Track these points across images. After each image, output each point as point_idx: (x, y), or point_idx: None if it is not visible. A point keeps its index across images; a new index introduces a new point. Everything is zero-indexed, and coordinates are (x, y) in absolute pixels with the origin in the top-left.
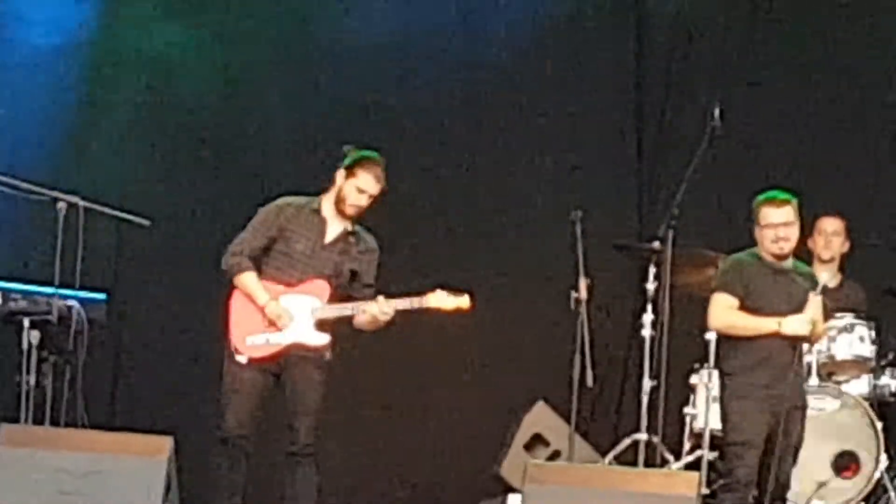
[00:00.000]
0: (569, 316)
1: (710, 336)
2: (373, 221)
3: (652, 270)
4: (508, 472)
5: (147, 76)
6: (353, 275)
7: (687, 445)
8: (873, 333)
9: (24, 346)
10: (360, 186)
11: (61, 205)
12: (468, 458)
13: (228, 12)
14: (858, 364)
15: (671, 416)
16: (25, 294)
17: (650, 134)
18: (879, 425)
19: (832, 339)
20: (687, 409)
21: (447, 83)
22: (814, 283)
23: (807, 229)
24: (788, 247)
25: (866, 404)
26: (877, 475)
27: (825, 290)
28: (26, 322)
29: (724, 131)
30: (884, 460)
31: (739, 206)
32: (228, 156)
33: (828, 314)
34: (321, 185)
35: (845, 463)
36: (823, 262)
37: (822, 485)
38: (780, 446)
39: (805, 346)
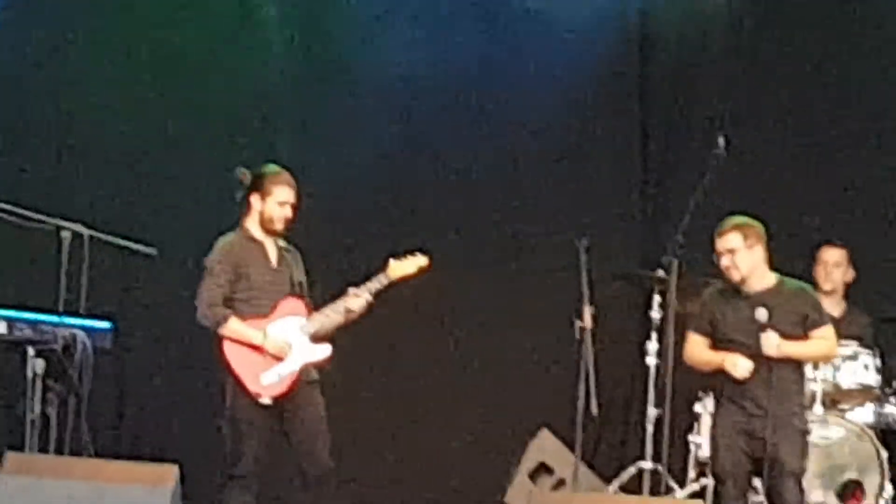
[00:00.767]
0: (573, 344)
1: None
2: (375, 248)
3: (657, 299)
4: (513, 500)
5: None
6: (300, 286)
7: (692, 474)
8: (878, 362)
9: (29, 374)
10: (280, 200)
11: (65, 233)
12: (473, 486)
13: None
14: (863, 392)
15: (676, 444)
16: (30, 323)
17: (655, 162)
18: (884, 454)
19: (836, 368)
20: (691, 438)
21: (450, 110)
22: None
23: (809, 259)
24: (737, 274)
25: (871, 433)
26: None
27: (830, 320)
28: (31, 351)
29: (729, 159)
30: (888, 489)
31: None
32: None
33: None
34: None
35: (850, 491)
36: (825, 292)
37: None
38: (773, 472)
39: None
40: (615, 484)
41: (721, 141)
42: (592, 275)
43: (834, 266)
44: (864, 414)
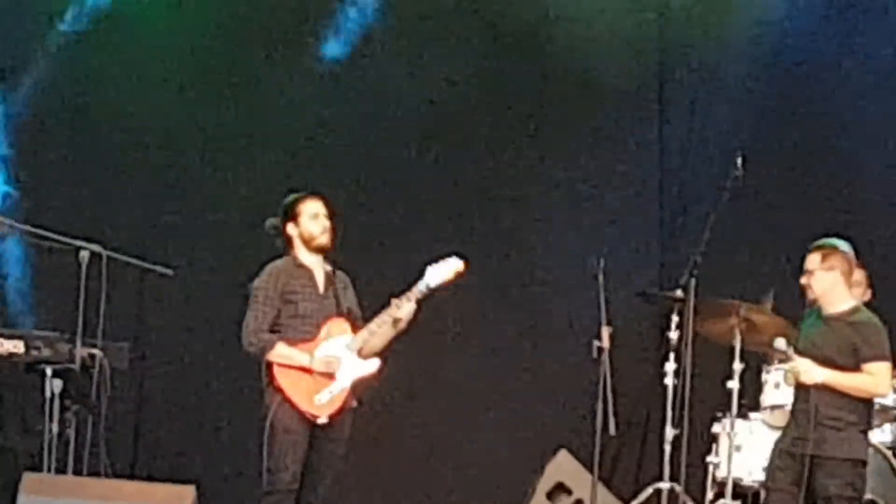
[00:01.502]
0: (591, 364)
1: (733, 385)
2: (395, 272)
3: (675, 319)
4: None
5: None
6: (349, 312)
7: (710, 494)
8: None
9: (47, 394)
10: (311, 213)
11: (84, 254)
12: None
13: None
14: (881, 413)
15: (694, 464)
16: (48, 342)
17: (673, 182)
18: None
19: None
20: (710, 458)
21: (471, 134)
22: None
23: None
24: (811, 294)
25: (889, 453)
26: None
27: None
28: (49, 371)
29: (747, 180)
30: None
31: (763, 255)
32: (253, 206)
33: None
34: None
35: None
36: None
37: None
38: (814, 498)
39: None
40: None
41: (739, 161)
42: (610, 295)
43: (855, 286)
44: (883, 434)
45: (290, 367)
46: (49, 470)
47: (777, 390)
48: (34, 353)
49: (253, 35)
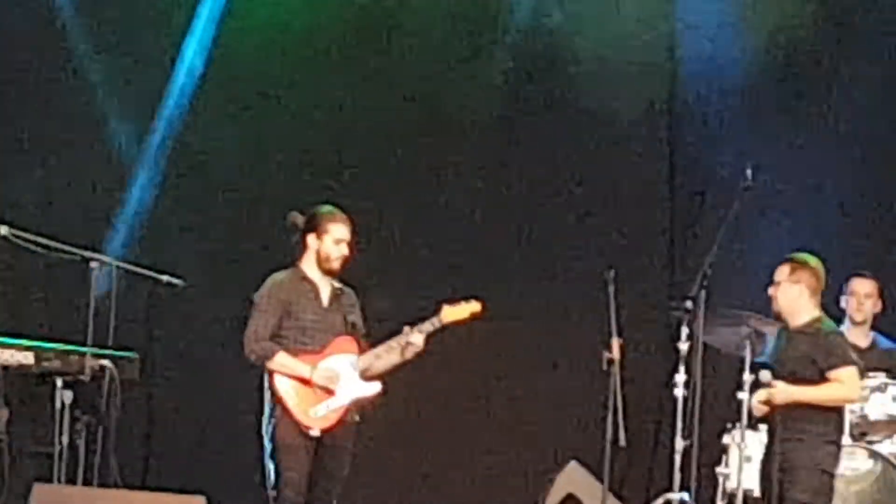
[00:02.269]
0: (601, 376)
1: (743, 396)
2: (406, 285)
3: (684, 330)
4: None
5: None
6: (353, 327)
7: None
8: None
9: (58, 405)
10: (337, 238)
11: (94, 264)
12: None
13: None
14: (891, 424)
15: (704, 475)
16: (58, 353)
17: (683, 193)
18: None
19: (864, 399)
20: (720, 469)
21: (483, 143)
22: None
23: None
24: (776, 305)
25: None
26: None
27: (858, 351)
28: (59, 382)
29: (757, 190)
30: None
31: (772, 265)
32: (261, 215)
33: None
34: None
35: None
36: (856, 323)
37: None
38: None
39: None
40: None
41: (748, 172)
42: (620, 306)
43: (866, 297)
44: (893, 446)
45: (290, 376)
46: (59, 480)
47: None
48: (45, 364)
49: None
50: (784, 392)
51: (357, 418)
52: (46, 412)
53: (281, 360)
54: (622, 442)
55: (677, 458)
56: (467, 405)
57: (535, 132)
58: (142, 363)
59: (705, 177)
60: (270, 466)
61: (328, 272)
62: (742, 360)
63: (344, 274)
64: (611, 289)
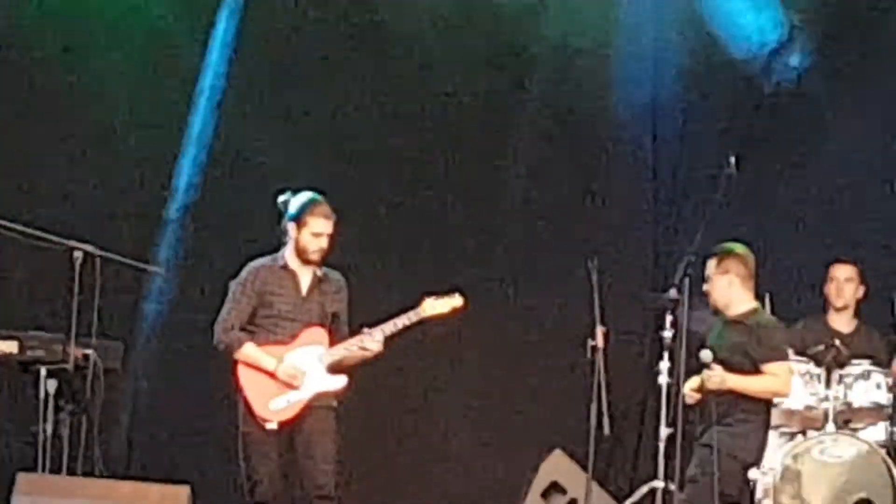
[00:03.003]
0: (585, 364)
1: None
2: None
3: (668, 318)
4: None
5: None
6: (335, 316)
7: None
8: (890, 380)
9: (41, 394)
10: (314, 231)
11: (77, 254)
12: None
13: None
14: (875, 411)
15: (688, 463)
16: (42, 342)
17: (666, 181)
18: None
19: (849, 387)
20: None
21: (463, 126)
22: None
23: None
24: (710, 298)
25: (883, 452)
26: None
27: (842, 337)
28: (43, 371)
29: (740, 180)
30: None
31: (757, 254)
32: (247, 200)
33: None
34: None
35: None
36: (837, 309)
37: None
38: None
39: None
40: (628, 503)
41: (732, 159)
42: (604, 294)
43: (846, 282)
44: (877, 432)
45: (254, 367)
46: (43, 470)
47: None
48: (28, 353)
49: None
50: (719, 377)
51: (333, 402)
52: (30, 401)
53: (247, 352)
54: (606, 430)
55: (661, 446)
56: (450, 394)
57: (514, 116)
58: (125, 352)
59: (689, 163)
60: (241, 458)
61: (306, 262)
62: None
63: (333, 257)
64: (594, 277)
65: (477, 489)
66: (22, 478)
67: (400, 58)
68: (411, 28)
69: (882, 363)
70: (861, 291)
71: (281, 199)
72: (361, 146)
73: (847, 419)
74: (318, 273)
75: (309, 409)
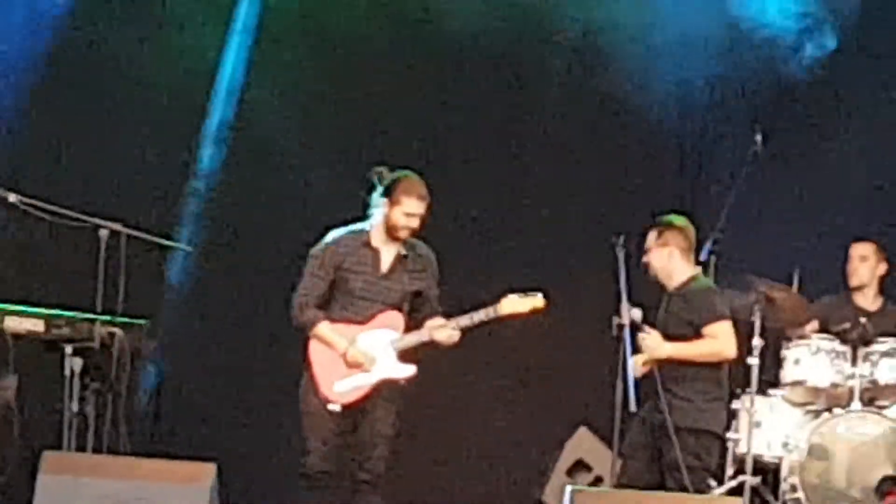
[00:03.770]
0: (611, 341)
1: (753, 361)
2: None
3: None
4: (551, 497)
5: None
6: (418, 294)
7: (730, 471)
8: None
9: (67, 373)
10: (407, 211)
11: (104, 232)
12: (511, 483)
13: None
14: (891, 389)
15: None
16: (68, 321)
17: (692, 157)
18: None
19: (874, 364)
20: (729, 434)
21: (489, 105)
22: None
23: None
24: (651, 270)
25: None
26: None
27: (867, 315)
28: (69, 349)
29: (766, 157)
30: None
31: (783, 230)
32: (273, 180)
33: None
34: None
35: (888, 487)
36: (853, 288)
37: None
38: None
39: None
40: (718, 492)
41: (758, 136)
42: (631, 271)
43: (860, 261)
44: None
45: (327, 345)
46: (69, 448)
47: (797, 366)
48: (54, 331)
49: None
50: (656, 344)
51: (400, 390)
52: (56, 380)
53: (321, 332)
54: (632, 408)
55: None
56: (476, 373)
57: (539, 95)
58: (152, 330)
59: (714, 140)
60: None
61: (393, 240)
62: (751, 326)
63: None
64: (621, 255)
65: (502, 467)
66: (48, 456)
67: (423, 41)
68: (435, 10)
69: None
70: (883, 269)
71: (376, 170)
72: (382, 129)
73: (873, 397)
74: (402, 251)
75: (374, 392)
